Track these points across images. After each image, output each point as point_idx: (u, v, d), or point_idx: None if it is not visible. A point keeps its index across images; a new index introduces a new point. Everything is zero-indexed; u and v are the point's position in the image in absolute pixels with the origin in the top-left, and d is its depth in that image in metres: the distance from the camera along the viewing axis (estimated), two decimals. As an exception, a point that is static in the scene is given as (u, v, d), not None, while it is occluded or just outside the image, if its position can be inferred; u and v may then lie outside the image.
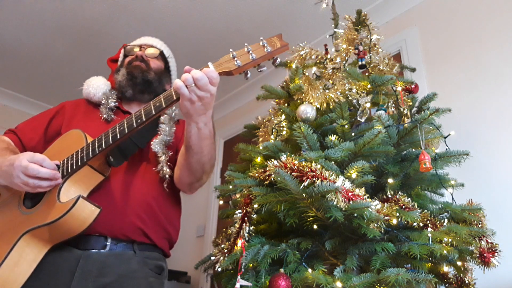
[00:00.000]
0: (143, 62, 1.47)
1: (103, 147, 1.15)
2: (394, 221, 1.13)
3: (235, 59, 1.06)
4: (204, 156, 1.23)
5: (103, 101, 1.44)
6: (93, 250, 1.18)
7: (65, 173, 1.17)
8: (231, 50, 1.08)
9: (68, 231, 1.13)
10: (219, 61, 1.09)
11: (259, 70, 1.10)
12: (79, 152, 1.18)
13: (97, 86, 1.46)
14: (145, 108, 1.13)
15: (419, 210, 1.22)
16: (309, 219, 1.15)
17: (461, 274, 1.25)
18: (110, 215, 1.19)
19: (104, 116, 1.40)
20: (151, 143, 1.34)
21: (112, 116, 1.42)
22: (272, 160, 1.18)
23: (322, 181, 1.06)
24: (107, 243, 1.20)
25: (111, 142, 1.15)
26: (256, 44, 1.09)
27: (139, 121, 1.12)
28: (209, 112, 1.15)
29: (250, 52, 1.06)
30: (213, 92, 1.08)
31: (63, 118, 1.43)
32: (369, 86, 1.45)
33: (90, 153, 1.16)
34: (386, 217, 1.11)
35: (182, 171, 1.31)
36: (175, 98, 1.09)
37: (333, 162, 1.17)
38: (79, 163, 1.16)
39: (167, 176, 1.33)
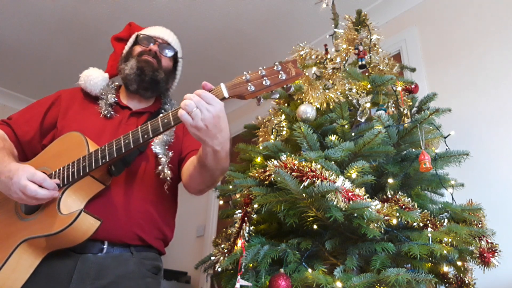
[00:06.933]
0: (155, 58, 1.43)
1: (107, 159, 1.13)
2: (394, 221, 1.13)
3: (249, 83, 1.05)
4: (218, 170, 1.23)
5: (102, 96, 1.41)
6: (90, 254, 1.17)
7: (65, 182, 1.15)
8: (244, 72, 1.06)
9: (67, 243, 1.12)
10: (232, 82, 1.06)
11: (272, 97, 1.11)
12: (80, 160, 1.16)
13: (94, 83, 1.43)
14: (152, 123, 1.11)
15: (419, 210, 1.22)
16: (309, 219, 1.15)
17: (461, 274, 1.25)
18: (110, 224, 1.18)
19: (104, 112, 1.38)
20: (151, 143, 1.32)
21: (112, 112, 1.39)
22: (272, 160, 1.18)
23: (322, 181, 1.06)
24: (104, 246, 1.20)
25: (115, 155, 1.13)
26: (270, 68, 1.07)
27: (145, 136, 1.11)
28: (223, 134, 1.09)
29: (264, 77, 1.05)
30: (214, 113, 1.02)
31: (59, 110, 1.40)
32: (369, 86, 1.45)
33: (93, 163, 1.14)
34: (386, 217, 1.11)
35: (194, 180, 1.30)
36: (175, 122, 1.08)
37: (333, 162, 1.17)
38: (81, 173, 1.15)
39: (168, 178, 1.30)
